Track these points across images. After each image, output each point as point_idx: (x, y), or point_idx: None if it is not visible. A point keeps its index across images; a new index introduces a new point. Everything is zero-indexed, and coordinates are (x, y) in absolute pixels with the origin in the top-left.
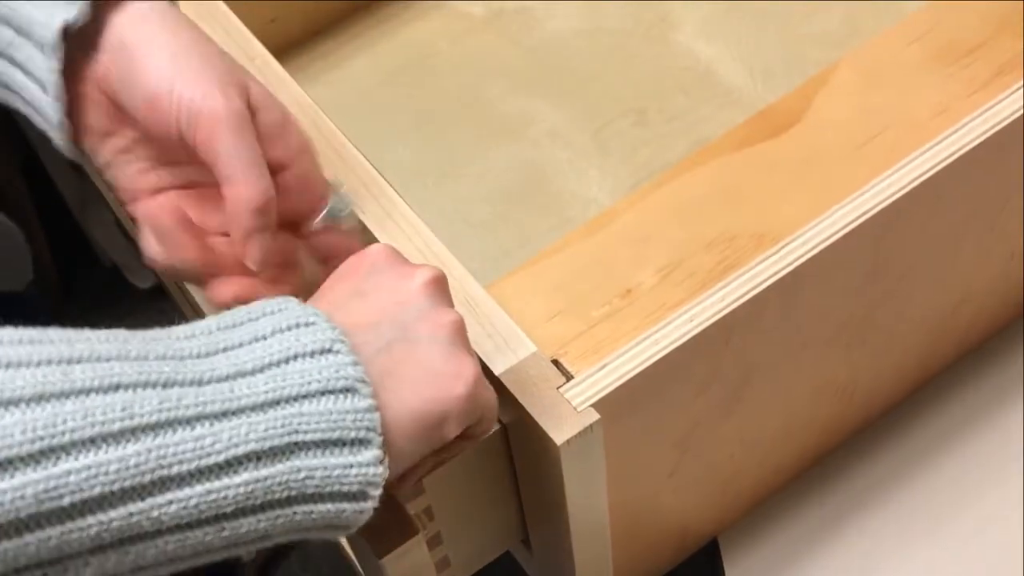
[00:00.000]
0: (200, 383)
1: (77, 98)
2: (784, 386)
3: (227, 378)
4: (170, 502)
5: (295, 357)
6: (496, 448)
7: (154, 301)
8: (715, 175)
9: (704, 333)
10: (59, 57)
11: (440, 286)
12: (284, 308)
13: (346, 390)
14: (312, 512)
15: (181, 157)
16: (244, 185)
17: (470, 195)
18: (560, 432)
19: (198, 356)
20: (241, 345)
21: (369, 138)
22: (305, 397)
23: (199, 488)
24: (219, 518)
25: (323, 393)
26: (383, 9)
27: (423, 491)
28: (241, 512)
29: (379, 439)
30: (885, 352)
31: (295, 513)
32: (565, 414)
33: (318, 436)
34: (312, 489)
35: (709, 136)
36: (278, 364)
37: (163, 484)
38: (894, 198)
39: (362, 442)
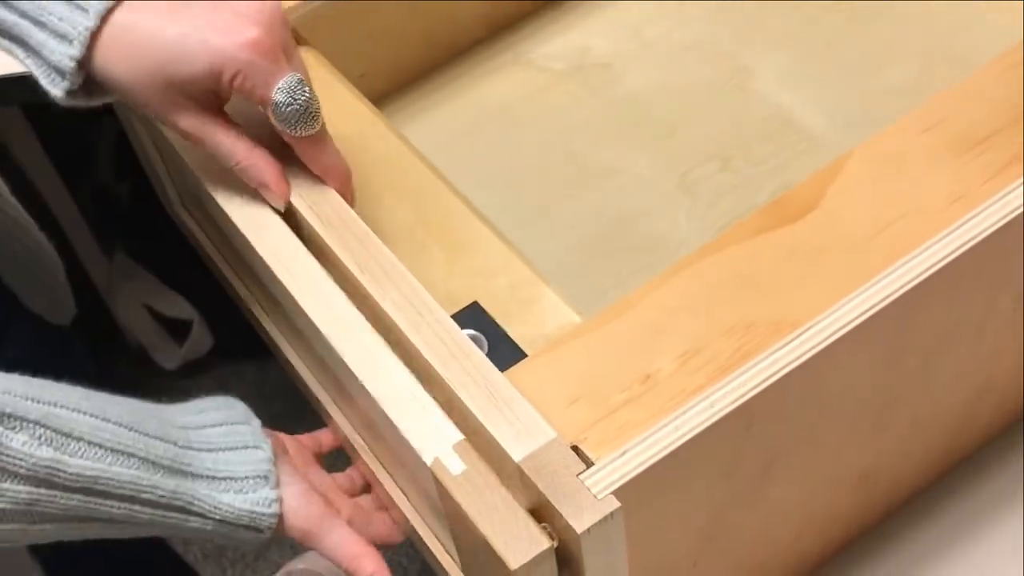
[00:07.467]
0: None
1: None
2: (808, 472)
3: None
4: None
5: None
6: None
7: (179, 380)
8: (731, 262)
9: (724, 419)
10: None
11: None
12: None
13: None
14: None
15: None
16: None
17: (558, 239)
18: (580, 520)
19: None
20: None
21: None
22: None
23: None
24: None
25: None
26: (464, 63)
27: None
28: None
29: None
30: (909, 438)
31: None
32: (585, 502)
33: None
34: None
35: (792, 180)
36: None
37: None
38: (912, 284)
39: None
